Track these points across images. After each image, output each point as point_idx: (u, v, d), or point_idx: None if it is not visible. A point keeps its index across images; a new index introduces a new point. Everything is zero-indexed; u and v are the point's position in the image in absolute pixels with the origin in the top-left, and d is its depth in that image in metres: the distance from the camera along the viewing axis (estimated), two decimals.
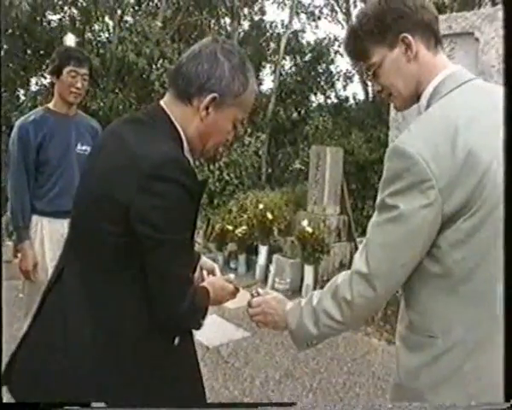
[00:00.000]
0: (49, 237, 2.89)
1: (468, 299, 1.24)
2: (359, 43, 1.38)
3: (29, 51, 10.49)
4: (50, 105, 2.94)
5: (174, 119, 1.40)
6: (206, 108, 1.38)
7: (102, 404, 1.36)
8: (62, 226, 2.87)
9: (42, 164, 2.83)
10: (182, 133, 1.41)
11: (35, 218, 2.88)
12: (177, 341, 1.45)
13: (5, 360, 1.54)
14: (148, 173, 1.26)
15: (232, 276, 1.67)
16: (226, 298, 1.62)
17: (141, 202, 1.26)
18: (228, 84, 1.37)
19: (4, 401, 1.55)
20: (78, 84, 2.83)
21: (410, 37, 1.31)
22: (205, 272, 1.74)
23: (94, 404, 1.35)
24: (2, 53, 10.47)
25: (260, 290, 1.64)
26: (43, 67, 10.18)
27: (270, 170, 11.74)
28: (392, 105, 1.50)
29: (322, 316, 1.37)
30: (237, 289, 1.63)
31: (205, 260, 1.80)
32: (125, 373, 1.37)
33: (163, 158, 1.28)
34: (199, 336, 3.95)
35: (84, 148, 2.96)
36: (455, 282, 1.25)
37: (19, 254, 2.93)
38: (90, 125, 3.07)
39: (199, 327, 1.49)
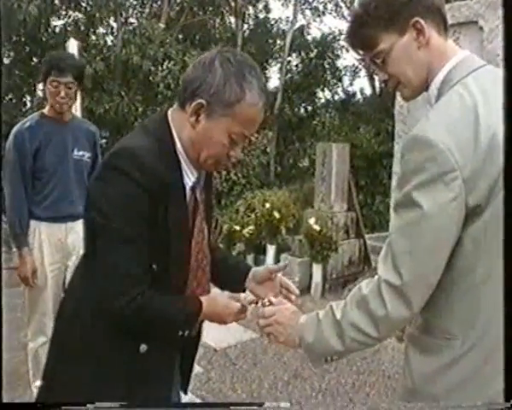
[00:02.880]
0: (47, 241, 2.89)
1: (488, 297, 1.18)
2: (366, 31, 1.29)
3: (35, 58, 10.53)
4: (45, 111, 2.90)
5: (172, 124, 1.41)
6: (197, 114, 1.35)
7: (104, 404, 1.36)
8: (60, 230, 2.91)
9: (38, 171, 2.81)
10: (176, 138, 1.40)
11: (33, 223, 2.86)
12: (142, 348, 1.42)
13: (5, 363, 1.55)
14: (104, 162, 1.35)
15: (243, 295, 1.56)
16: (231, 317, 1.52)
17: (93, 188, 1.38)
18: (217, 92, 1.32)
19: (4, 401, 1.54)
20: (62, 94, 2.76)
21: (422, 21, 1.24)
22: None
23: (97, 404, 1.37)
24: (9, 61, 10.55)
25: (273, 299, 1.51)
26: None
27: (278, 168, 11.68)
28: (397, 98, 1.43)
29: (350, 330, 1.26)
30: (245, 308, 1.53)
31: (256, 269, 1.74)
32: (84, 371, 1.43)
33: (120, 149, 1.35)
34: (206, 338, 3.93)
35: (80, 153, 2.93)
36: (477, 280, 1.19)
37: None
38: (87, 129, 3.04)
39: (176, 335, 1.46)
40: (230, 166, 8.56)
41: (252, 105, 1.35)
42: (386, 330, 1.25)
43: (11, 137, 2.80)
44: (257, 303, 1.53)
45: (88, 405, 1.33)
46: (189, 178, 1.44)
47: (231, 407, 1.75)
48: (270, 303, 1.50)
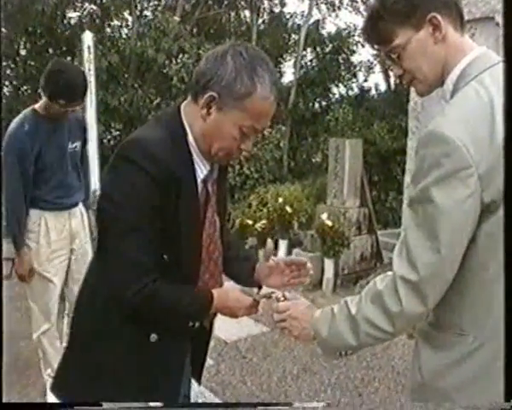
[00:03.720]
0: (54, 229, 2.97)
1: (501, 294, 1.17)
2: (383, 25, 1.28)
3: (50, 49, 10.60)
4: (40, 109, 2.84)
5: (185, 117, 1.42)
6: (208, 107, 1.36)
7: (110, 404, 1.39)
8: (64, 217, 3.02)
9: (40, 171, 2.85)
10: (188, 130, 1.41)
11: (37, 212, 2.91)
12: (152, 337, 1.44)
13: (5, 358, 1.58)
14: (116, 152, 1.36)
15: (255, 289, 1.57)
16: (242, 311, 1.52)
17: (105, 177, 1.42)
18: (228, 85, 1.33)
19: (4, 401, 1.57)
20: (68, 114, 2.81)
21: (438, 17, 1.24)
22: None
23: (104, 404, 1.40)
24: (25, 52, 10.64)
25: (287, 294, 1.52)
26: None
27: (291, 163, 11.66)
28: (412, 94, 1.43)
29: (365, 325, 1.27)
30: (256, 303, 1.53)
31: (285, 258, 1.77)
32: (93, 362, 1.47)
33: (131, 140, 1.38)
34: (217, 330, 3.94)
35: (73, 145, 2.99)
36: (490, 277, 1.19)
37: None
38: (77, 119, 3.06)
39: (186, 326, 1.49)
40: (243, 160, 8.60)
41: (263, 99, 1.35)
42: (401, 325, 1.26)
43: (9, 139, 2.77)
44: (269, 298, 1.52)
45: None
46: (201, 170, 1.45)
47: (259, 407, 1.75)
48: (285, 298, 1.50)
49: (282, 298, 1.50)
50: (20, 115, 2.87)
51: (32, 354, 3.37)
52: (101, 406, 1.38)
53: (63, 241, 3.02)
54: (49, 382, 2.99)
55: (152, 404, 1.46)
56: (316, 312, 1.43)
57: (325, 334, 1.37)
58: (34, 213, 2.90)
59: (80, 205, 3.12)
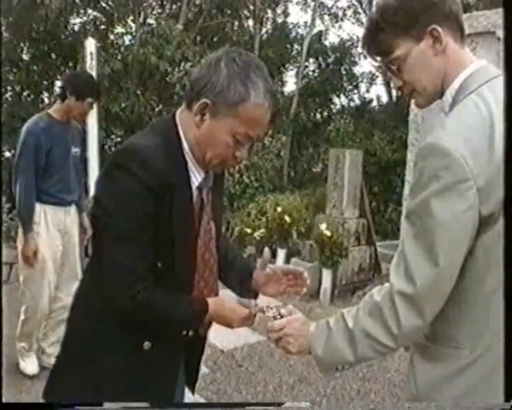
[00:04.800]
0: (51, 222, 3.28)
1: (498, 307, 1.16)
2: (383, 37, 1.28)
3: (53, 55, 10.64)
4: (53, 113, 3.25)
5: (180, 124, 1.42)
6: (202, 114, 1.36)
7: (114, 404, 1.38)
8: (61, 213, 3.36)
9: (47, 166, 3.19)
10: (183, 137, 1.41)
11: (40, 206, 3.22)
12: (146, 345, 1.43)
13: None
14: (109, 159, 1.36)
15: (253, 301, 1.54)
16: (237, 322, 1.50)
17: (98, 185, 1.40)
18: (221, 92, 1.33)
19: (4, 401, 1.56)
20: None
21: (439, 29, 1.23)
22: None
23: (106, 404, 1.39)
24: (28, 57, 10.68)
25: (283, 311, 1.49)
26: (67, 70, 10.37)
27: (291, 172, 11.67)
28: (412, 106, 1.42)
29: (363, 339, 1.25)
30: (252, 315, 1.51)
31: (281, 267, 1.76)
32: (87, 369, 1.45)
33: (123, 147, 1.38)
34: (213, 339, 3.93)
35: (76, 150, 3.38)
36: (487, 290, 1.18)
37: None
38: (78, 128, 3.48)
39: (180, 334, 1.47)
40: (243, 169, 8.60)
41: (256, 105, 1.34)
42: (400, 339, 1.23)
43: (27, 136, 3.13)
44: (264, 312, 1.50)
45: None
46: (196, 177, 1.44)
47: (247, 407, 1.73)
48: (281, 316, 1.48)
49: (279, 316, 1.48)
50: (35, 116, 3.25)
51: None
52: (102, 406, 1.37)
53: (58, 233, 3.32)
54: (20, 352, 3.37)
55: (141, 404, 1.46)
56: (311, 326, 1.41)
57: (322, 349, 1.35)
58: (37, 205, 3.20)
59: (74, 206, 3.44)
